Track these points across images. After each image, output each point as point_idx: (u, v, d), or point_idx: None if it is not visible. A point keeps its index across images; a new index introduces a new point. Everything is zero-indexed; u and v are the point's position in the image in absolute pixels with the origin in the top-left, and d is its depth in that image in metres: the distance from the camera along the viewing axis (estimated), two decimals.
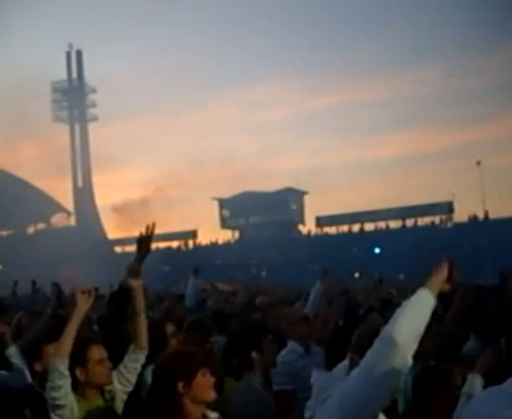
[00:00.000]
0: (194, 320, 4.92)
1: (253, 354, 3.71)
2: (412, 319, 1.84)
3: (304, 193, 63.61)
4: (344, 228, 55.91)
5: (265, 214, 57.18)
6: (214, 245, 57.78)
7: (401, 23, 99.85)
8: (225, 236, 62.16)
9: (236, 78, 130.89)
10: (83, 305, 3.17)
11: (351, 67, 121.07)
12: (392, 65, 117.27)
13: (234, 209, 61.35)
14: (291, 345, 4.39)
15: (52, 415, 3.13)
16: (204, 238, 60.49)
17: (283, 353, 4.32)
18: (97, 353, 3.27)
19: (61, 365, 3.13)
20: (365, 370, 1.78)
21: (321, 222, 57.52)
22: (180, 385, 2.52)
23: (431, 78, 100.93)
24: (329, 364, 3.32)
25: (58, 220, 67.19)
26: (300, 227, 62.36)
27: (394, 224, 54.76)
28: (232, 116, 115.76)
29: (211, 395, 2.60)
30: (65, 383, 3.09)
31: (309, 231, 58.82)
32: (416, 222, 53.40)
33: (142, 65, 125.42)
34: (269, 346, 3.86)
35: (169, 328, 4.00)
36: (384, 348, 1.78)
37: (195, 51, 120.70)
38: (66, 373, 3.04)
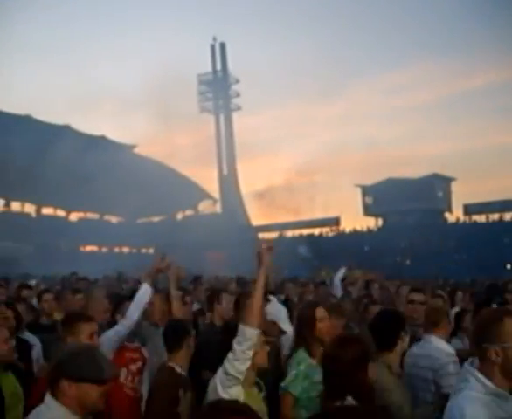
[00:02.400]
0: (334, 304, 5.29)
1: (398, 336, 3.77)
2: None
3: (451, 179, 60.94)
4: (495, 216, 52.88)
5: (409, 201, 55.43)
6: (357, 233, 57.13)
7: None
8: (368, 223, 61.34)
9: (376, 63, 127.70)
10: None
11: (498, 47, 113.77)
12: None
13: (377, 196, 60.17)
14: None
15: (223, 392, 3.23)
16: (346, 226, 60.13)
17: None
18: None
19: (256, 336, 3.24)
20: None
21: (469, 210, 54.79)
22: None
23: None
24: None
25: (205, 207, 69.88)
26: (447, 215, 59.87)
27: None
28: (374, 102, 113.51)
29: None
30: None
31: (457, 219, 56.29)
32: None
33: (282, 54, 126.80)
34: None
35: (320, 312, 4.18)
36: None
37: (334, 38, 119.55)
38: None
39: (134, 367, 4.62)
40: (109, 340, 4.37)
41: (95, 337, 3.76)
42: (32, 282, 14.34)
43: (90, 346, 2.80)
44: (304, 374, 3.89)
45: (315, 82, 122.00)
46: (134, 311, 4.50)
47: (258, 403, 3.38)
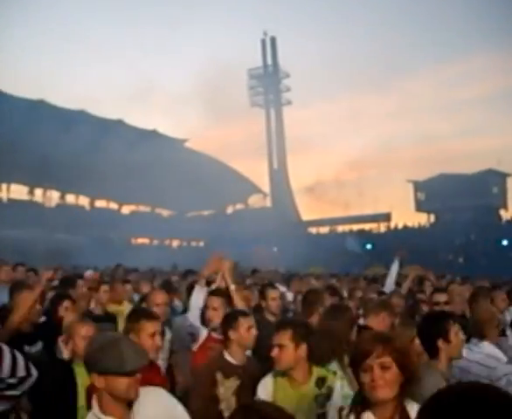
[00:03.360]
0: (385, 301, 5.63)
1: (439, 342, 3.54)
2: None
3: (507, 175, 59.29)
4: None
5: (462, 197, 54.13)
6: (408, 229, 56.23)
7: None
8: (420, 219, 60.26)
9: (429, 56, 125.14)
10: None
11: None
12: None
13: (430, 191, 59.03)
14: None
15: None
16: (397, 221, 59.23)
17: None
18: None
19: None
20: None
21: None
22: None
23: None
24: None
25: (255, 201, 70.03)
26: (502, 212, 58.26)
27: None
28: (427, 95, 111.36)
29: None
30: None
31: None
32: None
33: (333, 48, 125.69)
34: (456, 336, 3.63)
35: None
36: None
37: (386, 30, 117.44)
38: None
39: None
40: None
41: (157, 337, 3.73)
42: (89, 272, 14.61)
43: (116, 338, 2.81)
44: None
45: (367, 75, 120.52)
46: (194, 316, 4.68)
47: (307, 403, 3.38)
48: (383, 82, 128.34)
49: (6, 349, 2.34)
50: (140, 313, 3.96)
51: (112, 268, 14.12)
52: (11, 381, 2.34)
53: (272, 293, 5.83)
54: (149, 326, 3.71)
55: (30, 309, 4.42)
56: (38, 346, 4.65)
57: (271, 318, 5.56)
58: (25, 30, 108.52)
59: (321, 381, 3.50)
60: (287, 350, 3.46)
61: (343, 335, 4.06)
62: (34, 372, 2.40)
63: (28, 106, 44.43)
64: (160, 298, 5.10)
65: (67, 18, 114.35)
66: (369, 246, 49.59)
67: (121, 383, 2.64)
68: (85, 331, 3.90)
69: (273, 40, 71.46)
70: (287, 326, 3.61)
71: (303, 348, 3.50)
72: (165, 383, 3.83)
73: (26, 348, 4.38)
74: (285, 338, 3.48)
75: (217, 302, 4.96)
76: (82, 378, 3.58)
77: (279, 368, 3.50)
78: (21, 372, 2.37)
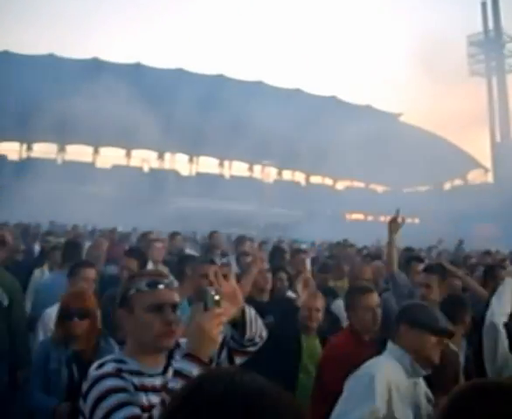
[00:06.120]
0: None
1: None
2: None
3: None
4: None
5: None
6: None
7: None
8: None
9: None
10: None
11: None
12: None
13: None
14: None
15: None
16: None
17: None
18: None
19: None
20: None
21: None
22: None
23: None
24: None
25: (475, 176, 66.32)
26: None
27: None
28: None
29: None
30: None
31: None
32: None
33: None
34: None
35: None
36: None
37: None
38: None
39: None
40: None
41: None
42: (304, 245, 14.97)
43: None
44: None
45: None
46: None
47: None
48: None
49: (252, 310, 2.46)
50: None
51: (334, 244, 14.21)
52: (257, 339, 2.46)
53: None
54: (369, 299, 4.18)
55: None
56: (270, 318, 4.78)
57: None
58: None
59: None
60: None
61: None
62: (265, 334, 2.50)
63: (248, 89, 46.87)
64: None
65: None
66: None
67: (430, 341, 2.85)
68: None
69: (495, 2, 66.29)
70: None
71: None
72: None
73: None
74: None
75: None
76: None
77: None
78: (263, 332, 2.48)
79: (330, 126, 45.63)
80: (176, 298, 2.35)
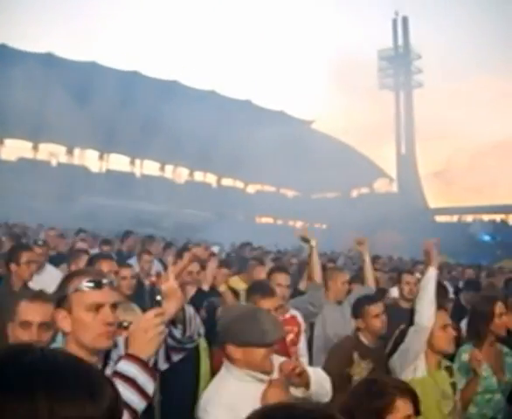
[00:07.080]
0: None
1: None
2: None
3: None
4: None
5: None
6: None
7: None
8: None
9: None
10: None
11: None
12: None
13: None
14: None
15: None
16: None
17: None
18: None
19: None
20: None
21: None
22: None
23: None
24: None
25: (380, 185, 68.59)
26: None
27: None
28: None
29: None
30: None
31: None
32: None
33: (468, 26, 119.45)
34: None
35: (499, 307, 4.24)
36: None
37: None
38: None
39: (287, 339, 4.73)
40: None
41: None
42: (215, 248, 14.97)
43: (254, 309, 2.86)
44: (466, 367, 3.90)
45: (504, 56, 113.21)
46: None
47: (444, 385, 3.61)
48: None
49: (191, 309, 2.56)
50: (257, 289, 3.97)
51: (238, 246, 14.37)
52: (195, 336, 2.56)
53: (407, 278, 6.07)
54: (265, 304, 3.70)
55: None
56: None
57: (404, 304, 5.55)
58: None
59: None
60: None
61: None
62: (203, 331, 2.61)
63: (162, 87, 46.45)
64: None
65: None
66: (499, 238, 47.02)
67: (260, 354, 2.67)
68: None
69: (405, 20, 69.11)
70: None
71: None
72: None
73: None
74: None
75: None
76: None
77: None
78: (201, 329, 2.60)
79: (243, 129, 45.95)
80: (116, 297, 2.36)
